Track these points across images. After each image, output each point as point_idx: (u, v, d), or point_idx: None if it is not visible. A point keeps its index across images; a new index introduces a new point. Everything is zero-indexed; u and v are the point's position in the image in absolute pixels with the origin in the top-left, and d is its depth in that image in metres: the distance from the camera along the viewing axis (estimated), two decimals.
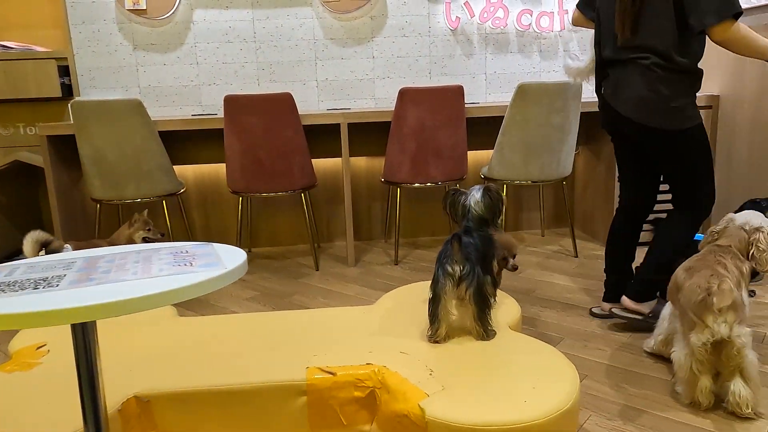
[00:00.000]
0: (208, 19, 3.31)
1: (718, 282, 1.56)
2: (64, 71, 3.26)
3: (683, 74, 1.89)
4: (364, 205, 3.61)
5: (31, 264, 0.92)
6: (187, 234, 3.47)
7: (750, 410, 1.55)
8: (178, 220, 3.45)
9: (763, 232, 1.75)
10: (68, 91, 3.29)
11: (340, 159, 3.51)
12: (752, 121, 2.89)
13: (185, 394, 1.36)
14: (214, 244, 1.00)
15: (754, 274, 1.96)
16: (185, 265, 0.83)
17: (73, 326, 0.80)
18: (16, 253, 3.39)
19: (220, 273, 0.78)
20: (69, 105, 3.12)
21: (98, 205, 2.98)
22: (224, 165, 3.44)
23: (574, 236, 3.25)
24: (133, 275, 0.79)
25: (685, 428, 1.56)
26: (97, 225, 3.01)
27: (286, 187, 2.96)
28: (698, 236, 2.47)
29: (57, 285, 0.76)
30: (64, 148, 3.06)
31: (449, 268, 1.55)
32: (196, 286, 0.74)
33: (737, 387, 1.55)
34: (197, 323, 1.77)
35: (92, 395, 0.81)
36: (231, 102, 2.77)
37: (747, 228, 1.78)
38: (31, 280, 0.79)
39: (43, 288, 0.74)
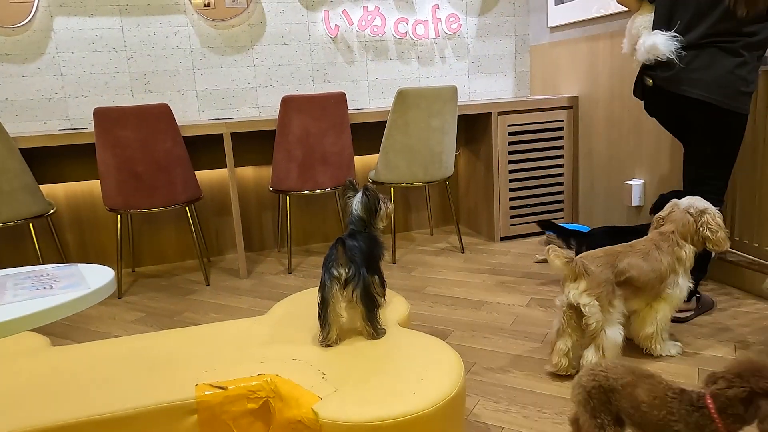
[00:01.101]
0: (72, 27, 3.10)
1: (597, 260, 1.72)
2: None
3: (758, 61, 1.96)
4: (254, 215, 3.55)
5: None
6: (61, 257, 3.22)
7: None
8: (49, 242, 3.19)
9: (708, 213, 1.80)
10: None
11: (225, 170, 3.43)
12: (607, 119, 3.20)
13: (62, 428, 1.27)
14: (79, 264, 0.94)
15: (707, 256, 2.03)
16: (44, 288, 0.78)
17: None
18: None
19: (83, 293, 0.74)
20: None
21: None
22: (95, 182, 3.23)
23: (460, 233, 3.41)
24: None
25: (565, 402, 1.70)
26: None
27: (169, 202, 2.85)
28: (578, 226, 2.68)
29: None
30: None
31: (335, 272, 1.57)
32: (55, 309, 0.70)
33: (588, 353, 1.73)
34: (73, 351, 1.65)
35: None
36: (101, 115, 2.62)
37: (692, 211, 1.82)
38: None
39: None
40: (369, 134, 3.55)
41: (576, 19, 3.33)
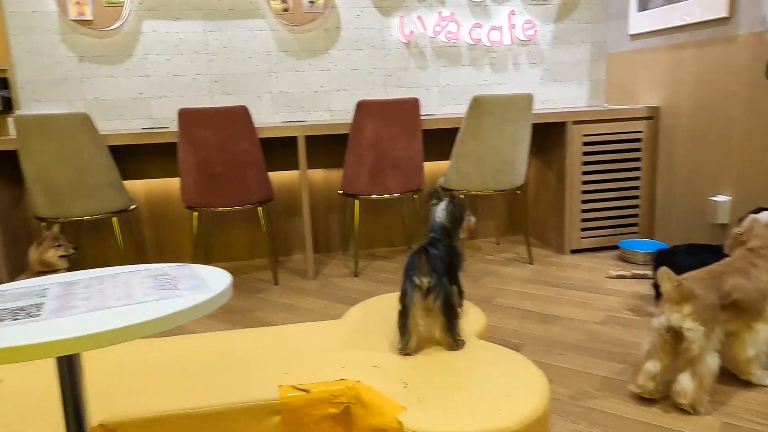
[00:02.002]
0: (158, 31, 3.23)
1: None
2: (3, 83, 3.11)
3: None
4: (321, 217, 3.59)
5: (2, 293, 0.86)
6: (138, 251, 3.36)
7: (687, 402, 1.63)
8: (128, 237, 3.33)
9: None
10: (7, 104, 3.14)
11: (296, 172, 3.48)
12: (690, 130, 3.06)
13: (153, 420, 1.31)
14: (192, 265, 0.97)
15: None
16: (169, 288, 0.80)
17: (58, 358, 0.76)
18: None
19: (209, 296, 0.76)
20: (12, 119, 2.97)
21: (43, 224, 2.84)
22: (175, 179, 3.35)
23: (529, 243, 3.33)
24: (118, 301, 0.76)
25: (649, 428, 1.62)
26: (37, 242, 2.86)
27: (243, 201, 2.92)
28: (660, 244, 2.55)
29: (38, 314, 0.72)
30: (5, 164, 2.91)
31: (417, 280, 1.56)
32: (187, 312, 0.71)
33: (683, 378, 1.64)
34: (159, 345, 1.71)
35: (78, 429, 0.77)
36: (185, 115, 2.71)
37: None
38: (8, 310, 0.75)
39: (24, 318, 0.70)
40: (438, 140, 3.53)
41: (660, 26, 3.21)
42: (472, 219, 1.75)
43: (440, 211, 1.71)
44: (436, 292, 1.54)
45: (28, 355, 0.62)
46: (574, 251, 3.41)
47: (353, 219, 3.56)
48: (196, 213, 2.98)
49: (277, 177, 3.47)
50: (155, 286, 0.83)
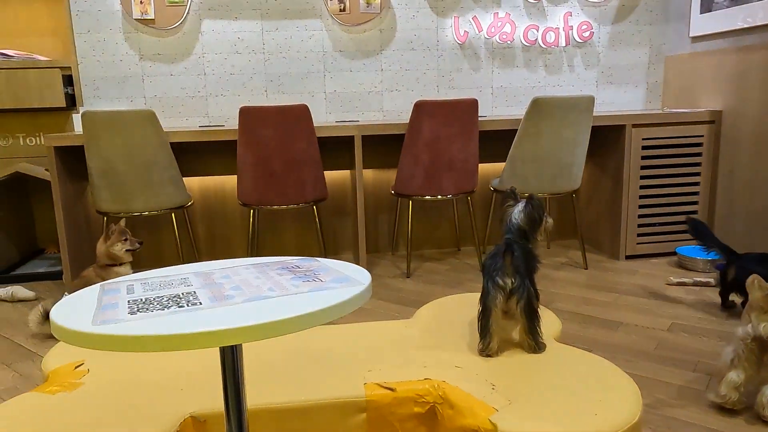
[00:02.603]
0: (217, 30, 3.28)
1: None
2: (68, 81, 3.18)
3: None
4: (371, 217, 3.59)
5: (143, 281, 0.88)
6: (193, 247, 3.41)
7: None
8: (183, 232, 3.38)
9: None
10: (71, 101, 3.21)
11: (346, 171, 3.49)
12: (755, 136, 2.98)
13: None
14: (320, 258, 0.97)
15: None
16: (314, 281, 0.80)
17: (222, 348, 0.76)
18: (12, 267, 3.27)
19: (361, 289, 0.75)
20: (79, 116, 3.04)
21: (104, 218, 2.90)
22: (228, 177, 3.39)
23: (584, 248, 3.28)
24: (271, 291, 0.76)
25: None
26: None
27: (298, 200, 2.93)
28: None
29: (199, 303, 0.73)
30: (69, 159, 2.98)
31: (500, 281, 1.54)
32: (347, 303, 0.71)
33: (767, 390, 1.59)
34: None
35: (239, 418, 0.77)
36: (246, 113, 2.74)
37: None
38: (166, 297, 0.75)
39: (188, 306, 0.71)
40: (490, 142, 3.50)
41: (724, 29, 3.13)
42: (550, 221, 1.72)
43: (517, 213, 1.69)
44: (519, 293, 1.52)
45: (200, 343, 0.62)
46: (629, 257, 3.34)
47: (404, 219, 3.55)
48: (252, 210, 3.01)
49: (326, 176, 3.49)
50: (298, 278, 0.83)
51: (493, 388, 1.37)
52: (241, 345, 0.78)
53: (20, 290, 2.89)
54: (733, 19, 3.07)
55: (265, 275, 0.87)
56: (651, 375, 1.95)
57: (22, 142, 3.25)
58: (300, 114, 2.79)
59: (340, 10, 3.33)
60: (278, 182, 2.87)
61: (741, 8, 3.01)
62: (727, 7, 3.11)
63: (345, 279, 0.83)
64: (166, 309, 0.70)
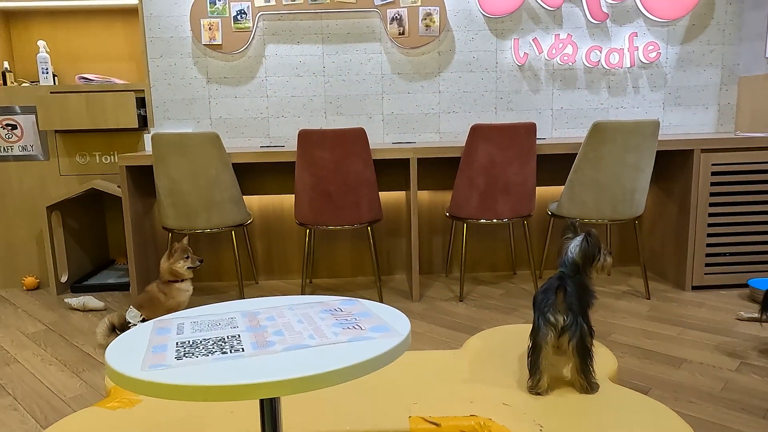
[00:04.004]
0: (280, 54, 3.39)
1: None
2: (141, 103, 3.37)
3: None
4: (424, 238, 3.59)
5: (194, 320, 0.92)
6: (251, 264, 3.51)
7: None
8: (241, 249, 3.49)
9: None
10: (143, 122, 3.40)
11: (401, 192, 3.51)
12: None
13: None
14: (363, 300, 0.99)
15: None
16: (354, 328, 0.82)
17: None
18: (86, 278, 3.47)
19: (399, 341, 0.76)
20: (150, 137, 3.20)
21: (170, 234, 3.04)
22: (286, 196, 3.48)
23: (647, 277, 3.15)
24: (311, 339, 0.78)
25: None
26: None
27: (353, 221, 2.97)
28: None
29: (242, 349, 0.76)
30: (139, 177, 3.14)
31: (552, 318, 1.51)
32: (383, 356, 0.72)
33: None
34: None
35: None
36: (305, 136, 2.81)
37: None
38: (211, 341, 0.79)
39: (231, 353, 0.74)
40: (549, 165, 3.43)
41: None
42: (609, 259, 1.67)
43: (574, 247, 1.65)
44: (571, 331, 1.48)
45: (240, 396, 0.65)
46: (695, 287, 3.18)
47: (458, 241, 3.53)
48: (308, 230, 3.07)
49: (381, 197, 3.51)
50: (339, 324, 0.85)
51: (540, 429, 1.33)
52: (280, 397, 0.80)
53: (91, 300, 3.07)
54: None
55: (307, 319, 0.88)
56: (716, 420, 1.85)
57: (98, 160, 3.46)
58: (356, 137, 2.84)
59: (400, 34, 3.37)
60: (334, 203, 2.92)
61: None
62: None
63: (385, 328, 0.83)
64: (210, 355, 0.73)
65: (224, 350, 0.76)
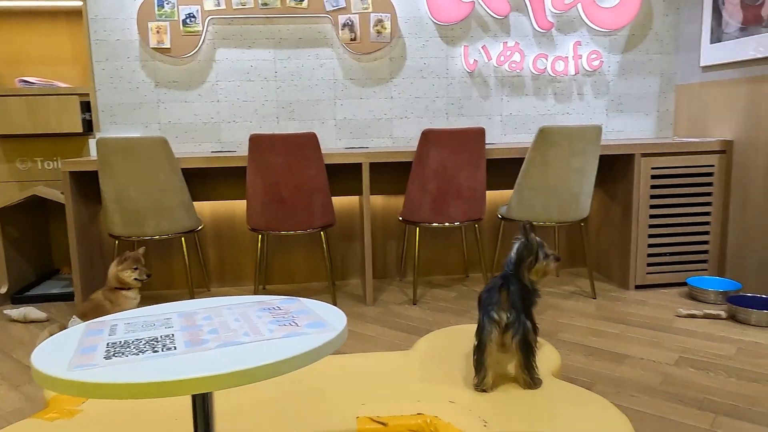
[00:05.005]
0: (231, 58, 3.36)
1: None
2: (86, 107, 3.28)
3: None
4: (379, 243, 3.61)
5: (127, 321, 0.90)
6: (203, 272, 3.45)
7: None
8: (192, 256, 3.43)
9: None
10: (88, 126, 3.30)
11: (355, 197, 3.52)
12: (767, 166, 2.94)
13: None
14: (301, 299, 0.99)
15: None
16: (290, 324, 0.82)
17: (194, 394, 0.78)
18: (28, 288, 3.34)
19: (334, 335, 0.77)
20: (95, 141, 3.12)
21: (116, 242, 2.96)
22: (238, 201, 3.44)
23: (592, 277, 3.25)
24: (246, 336, 0.78)
25: None
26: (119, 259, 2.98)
27: (306, 226, 2.96)
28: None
29: (174, 347, 0.75)
30: (84, 183, 3.05)
31: (495, 316, 1.54)
32: (317, 350, 0.72)
33: None
34: None
35: None
36: (256, 141, 2.79)
37: None
38: (143, 341, 0.78)
39: (162, 351, 0.73)
40: (499, 169, 3.51)
41: (735, 59, 3.12)
42: (552, 264, 1.70)
43: (516, 248, 1.70)
44: (514, 328, 1.52)
45: (171, 392, 0.64)
46: (638, 287, 3.30)
47: (411, 245, 3.56)
48: (261, 236, 3.04)
49: (335, 201, 3.52)
50: (275, 322, 0.85)
51: (485, 425, 1.36)
52: (212, 392, 0.80)
53: (32, 311, 2.95)
54: (743, 49, 3.06)
55: (244, 318, 0.88)
56: (655, 412, 1.92)
57: (40, 166, 3.34)
58: (308, 142, 2.84)
59: (351, 40, 3.39)
60: (286, 208, 2.90)
61: (751, 39, 3.01)
62: (737, 37, 3.11)
63: (321, 324, 0.84)
64: (141, 354, 0.73)
65: (156, 349, 0.75)
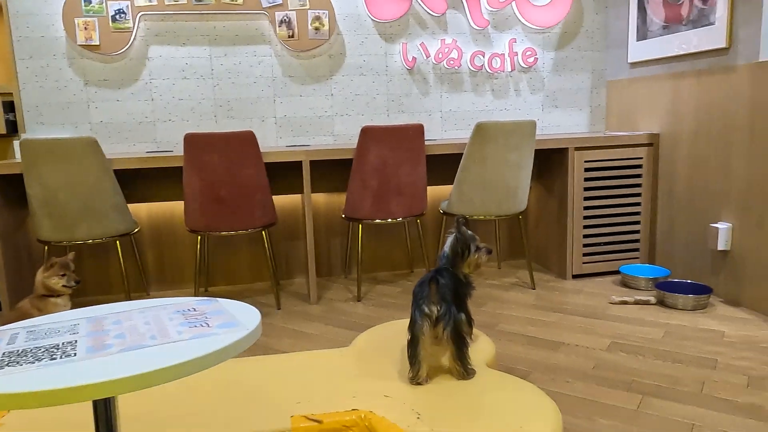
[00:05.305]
0: (164, 56, 3.27)
1: None
2: (9, 107, 3.12)
3: None
4: (323, 241, 3.59)
5: (30, 329, 0.86)
6: (141, 275, 3.35)
7: None
8: (130, 260, 3.32)
9: None
10: (13, 127, 3.15)
11: (298, 195, 3.50)
12: (690, 158, 3.10)
13: None
14: (219, 299, 0.97)
15: None
16: (201, 326, 0.80)
17: (95, 400, 0.75)
18: None
19: (243, 335, 0.76)
20: (18, 143, 2.98)
21: (46, 247, 2.84)
22: (177, 203, 3.35)
23: (531, 269, 3.34)
24: (152, 339, 0.76)
25: None
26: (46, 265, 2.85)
27: (247, 225, 2.92)
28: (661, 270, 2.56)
29: (74, 354, 0.72)
30: (8, 187, 2.91)
31: (426, 309, 1.57)
32: (224, 351, 0.71)
33: None
34: None
35: None
36: (191, 140, 2.73)
37: None
38: (43, 349, 0.75)
39: (61, 358, 0.70)
40: (441, 165, 3.55)
41: (659, 55, 3.26)
42: (483, 256, 1.74)
43: (448, 243, 1.73)
44: (445, 320, 1.55)
45: (67, 399, 0.62)
46: (576, 276, 3.42)
47: (355, 243, 3.57)
48: (200, 237, 2.98)
49: (278, 200, 3.48)
50: (186, 323, 0.83)
51: (418, 417, 1.38)
52: (114, 397, 0.78)
53: None
54: (667, 46, 3.20)
55: (155, 320, 0.86)
56: (587, 395, 2.00)
57: None
58: (246, 140, 2.79)
59: (289, 36, 3.36)
60: (226, 208, 2.85)
61: (674, 36, 3.15)
62: (661, 35, 3.25)
63: (232, 324, 0.83)
64: (37, 362, 0.70)
65: (54, 357, 0.73)
